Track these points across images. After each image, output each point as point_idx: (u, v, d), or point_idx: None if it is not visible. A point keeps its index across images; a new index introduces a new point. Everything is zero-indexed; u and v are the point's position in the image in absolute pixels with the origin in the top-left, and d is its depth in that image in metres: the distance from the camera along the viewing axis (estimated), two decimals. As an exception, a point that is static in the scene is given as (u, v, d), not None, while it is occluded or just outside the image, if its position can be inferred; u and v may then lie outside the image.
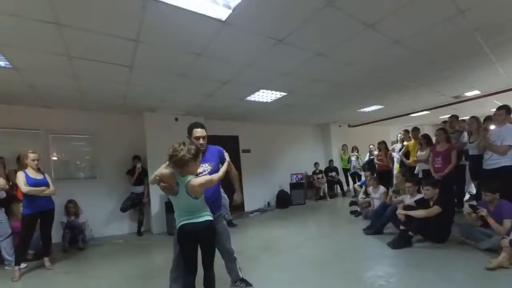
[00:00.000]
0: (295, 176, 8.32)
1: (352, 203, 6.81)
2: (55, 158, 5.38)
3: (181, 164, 2.05)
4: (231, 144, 7.45)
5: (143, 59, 3.26)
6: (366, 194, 5.78)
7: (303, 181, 8.43)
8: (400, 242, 3.70)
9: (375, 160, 6.62)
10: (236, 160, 7.50)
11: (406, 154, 5.77)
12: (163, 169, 2.10)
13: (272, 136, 8.37)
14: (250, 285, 2.77)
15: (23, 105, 4.85)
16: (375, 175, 5.72)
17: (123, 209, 5.46)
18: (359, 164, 8.47)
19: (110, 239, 5.33)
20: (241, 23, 2.63)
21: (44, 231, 3.79)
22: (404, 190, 4.50)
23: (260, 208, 7.50)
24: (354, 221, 5.55)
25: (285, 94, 5.13)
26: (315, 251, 3.87)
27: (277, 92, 5.03)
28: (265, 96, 5.16)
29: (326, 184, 8.44)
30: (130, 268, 3.71)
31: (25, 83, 3.83)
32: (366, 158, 7.87)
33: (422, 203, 3.91)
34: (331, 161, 9.05)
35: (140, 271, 3.57)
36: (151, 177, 2.24)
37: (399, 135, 6.88)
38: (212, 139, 6.92)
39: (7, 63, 3.15)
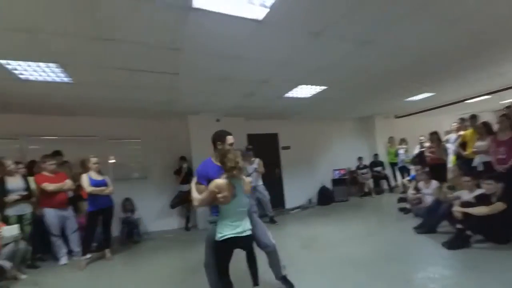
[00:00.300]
0: (337, 172, 8.07)
1: (401, 200, 6.38)
2: (113, 161, 5.97)
3: (240, 170, 2.21)
4: (270, 141, 7.49)
5: (186, 66, 3.44)
6: (417, 189, 5.38)
7: (346, 177, 8.13)
8: (457, 242, 3.39)
9: (426, 153, 6.11)
10: (276, 157, 7.52)
11: (463, 145, 5.23)
12: (219, 181, 2.17)
13: (312, 131, 8.20)
14: (292, 286, 2.70)
15: (85, 115, 5.48)
16: (426, 169, 5.29)
17: (172, 206, 5.87)
18: (407, 157, 7.89)
19: (161, 233, 5.77)
20: (277, 21, 2.61)
21: (105, 226, 4.25)
22: (459, 185, 4.10)
23: (301, 205, 7.42)
24: (403, 218, 5.21)
25: (325, 88, 4.98)
26: (360, 250, 3.73)
27: (317, 87, 4.91)
28: (303, 91, 5.08)
29: (371, 179, 8.03)
30: (180, 261, 4.00)
31: (85, 96, 4.31)
32: (416, 151, 7.30)
33: (482, 199, 3.53)
34: (376, 155, 8.56)
35: (189, 264, 3.79)
36: (196, 201, 2.28)
37: (454, 124, 6.27)
38: (252, 138, 7.11)
39: (70, 79, 3.56)
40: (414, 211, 5.20)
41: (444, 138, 6.41)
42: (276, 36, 2.92)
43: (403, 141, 8.20)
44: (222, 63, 3.44)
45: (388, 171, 8.48)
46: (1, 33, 2.43)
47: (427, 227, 4.14)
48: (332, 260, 3.50)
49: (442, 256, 3.24)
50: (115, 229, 4.84)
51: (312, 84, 4.76)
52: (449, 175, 5.08)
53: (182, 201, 5.91)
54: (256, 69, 3.78)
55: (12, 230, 3.42)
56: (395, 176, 8.54)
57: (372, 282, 2.79)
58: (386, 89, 5.65)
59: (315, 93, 5.22)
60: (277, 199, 7.15)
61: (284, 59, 3.53)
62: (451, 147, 5.94)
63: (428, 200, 4.79)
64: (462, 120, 5.73)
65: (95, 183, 4.03)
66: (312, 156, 8.13)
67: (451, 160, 5.85)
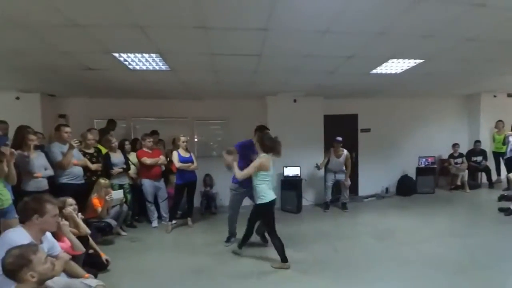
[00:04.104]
0: (424, 159, 7.14)
1: (503, 198, 5.39)
2: (197, 140, 6.70)
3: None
4: (349, 123, 7.08)
5: (270, 46, 3.43)
6: (528, 188, 4.44)
7: (435, 166, 7.18)
8: None
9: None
10: (353, 140, 7.13)
11: None
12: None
13: (397, 112, 7.37)
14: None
15: (177, 98, 6.27)
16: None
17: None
18: (520, 147, 6.44)
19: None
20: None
21: (189, 198, 4.93)
22: None
23: (377, 194, 6.95)
24: (503, 221, 4.45)
25: (421, 61, 4.30)
26: (444, 251, 3.40)
27: (411, 60, 4.29)
28: (394, 67, 4.52)
29: (466, 171, 6.92)
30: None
31: (179, 81, 4.83)
32: (532, 140, 5.91)
33: None
34: (477, 142, 7.20)
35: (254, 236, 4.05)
36: None
37: None
38: (330, 119, 6.91)
39: (167, 66, 4.03)
40: (521, 213, 4.36)
41: None
42: (369, 5, 2.60)
43: (516, 126, 6.68)
44: (307, 40, 3.31)
45: (490, 163, 7.13)
46: (114, 30, 2.86)
47: (537, 236, 3.45)
48: (410, 257, 3.29)
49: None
50: (196, 201, 5.49)
51: (405, 58, 4.17)
52: None
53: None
54: (343, 44, 3.50)
55: (119, 194, 4.26)
56: (498, 169, 7.09)
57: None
58: (500, 61, 4.45)
59: (407, 68, 4.60)
60: (350, 185, 6.86)
61: (378, 29, 3.14)
62: None
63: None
64: None
65: (183, 160, 4.64)
66: (395, 140, 7.38)
67: None
